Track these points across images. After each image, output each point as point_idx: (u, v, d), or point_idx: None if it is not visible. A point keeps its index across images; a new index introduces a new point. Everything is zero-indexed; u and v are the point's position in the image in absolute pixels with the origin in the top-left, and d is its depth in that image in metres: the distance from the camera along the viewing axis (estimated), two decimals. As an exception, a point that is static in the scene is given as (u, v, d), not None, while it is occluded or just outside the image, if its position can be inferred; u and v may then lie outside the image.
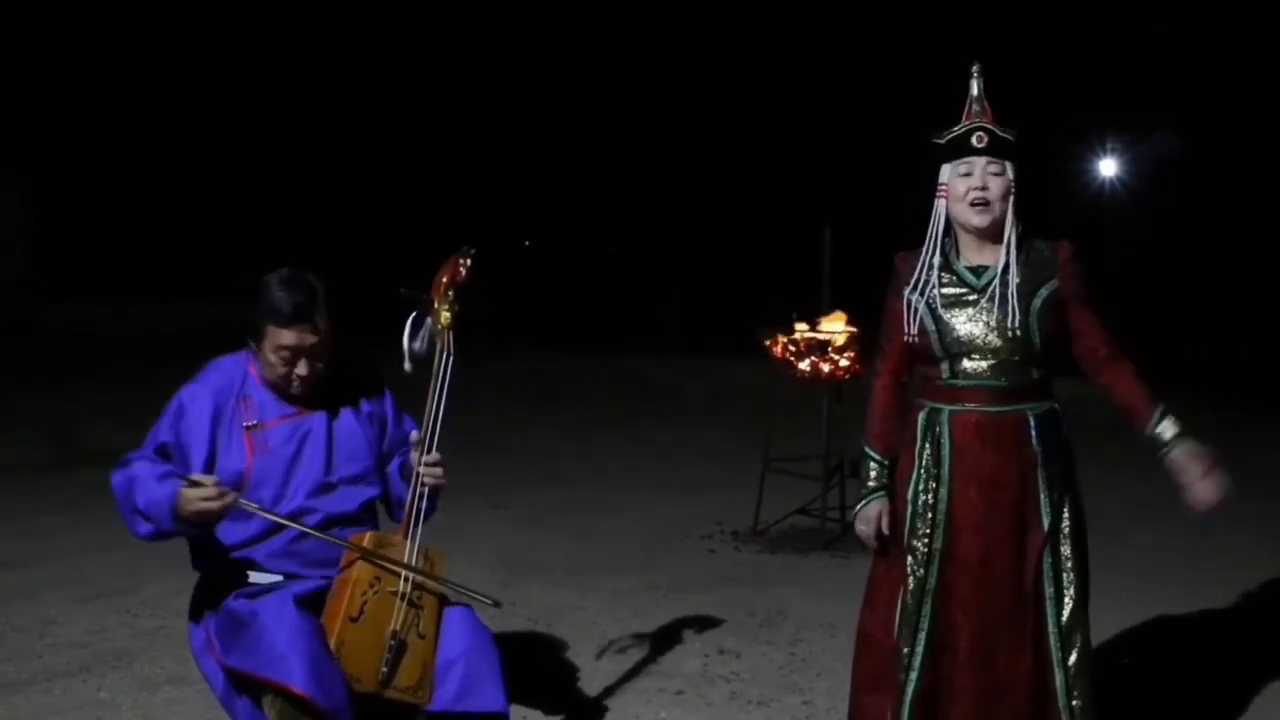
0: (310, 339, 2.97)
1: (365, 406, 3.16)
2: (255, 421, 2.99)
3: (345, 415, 3.11)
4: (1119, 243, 25.86)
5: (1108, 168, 29.15)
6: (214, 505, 2.76)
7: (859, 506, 3.16)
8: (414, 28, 35.11)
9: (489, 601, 3.05)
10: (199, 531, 2.89)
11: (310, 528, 2.94)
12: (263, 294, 2.97)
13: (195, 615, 3.04)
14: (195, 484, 2.76)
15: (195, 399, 2.98)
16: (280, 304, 2.94)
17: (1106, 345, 3.03)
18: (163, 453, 2.94)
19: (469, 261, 3.03)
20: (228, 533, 2.97)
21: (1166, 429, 3.00)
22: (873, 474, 3.15)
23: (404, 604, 2.87)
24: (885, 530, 3.09)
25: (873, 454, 3.15)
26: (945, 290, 3.01)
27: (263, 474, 2.97)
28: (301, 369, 2.99)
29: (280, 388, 3.03)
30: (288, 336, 2.94)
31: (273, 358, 2.97)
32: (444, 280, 3.01)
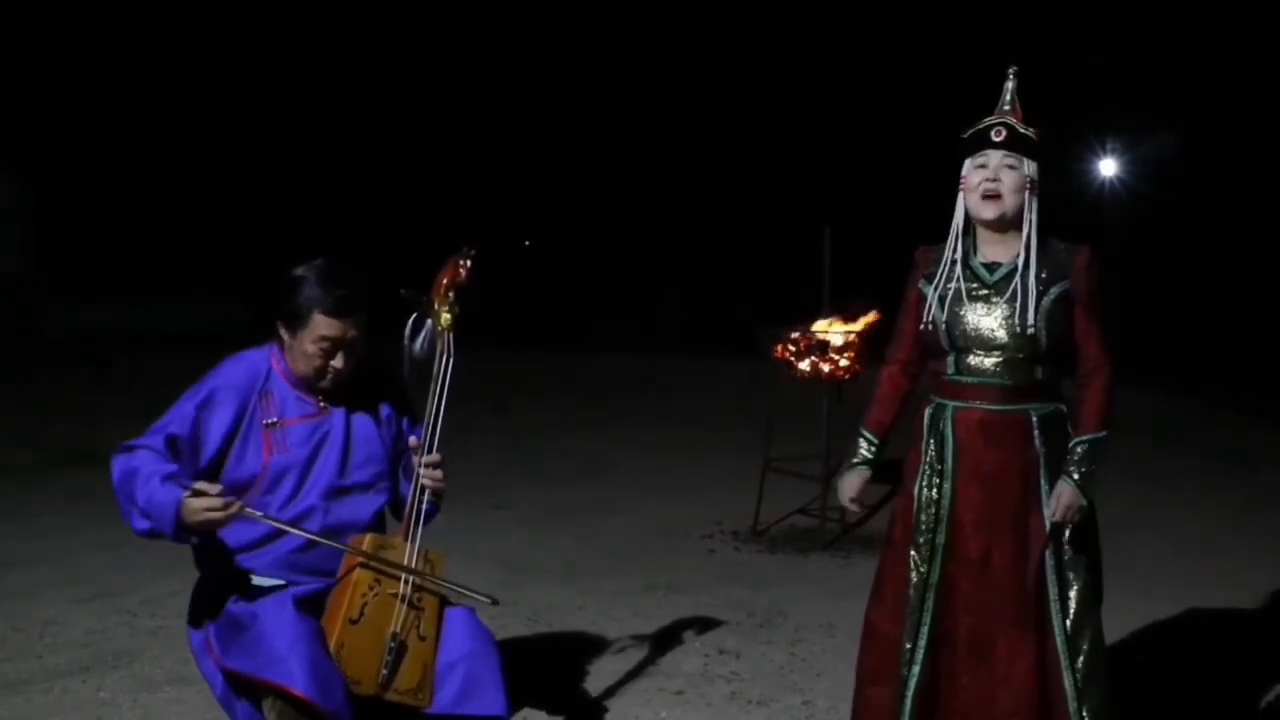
0: (353, 332, 2.94)
1: (384, 411, 3.13)
2: (275, 419, 2.97)
3: (364, 418, 3.09)
4: (1119, 243, 25.84)
5: (1108, 168, 29.15)
6: (218, 516, 2.71)
7: (841, 475, 3.26)
8: (411, 26, 35.10)
9: (487, 600, 3.03)
10: (201, 539, 2.86)
11: (317, 531, 2.93)
12: (306, 282, 2.92)
13: (194, 616, 3.03)
14: (200, 493, 2.71)
15: (225, 393, 2.94)
16: (330, 294, 2.90)
17: (1095, 356, 3.03)
18: (172, 444, 2.87)
19: (469, 263, 3.02)
20: (231, 535, 2.95)
21: (1073, 461, 2.98)
22: (861, 447, 3.23)
23: (404, 606, 2.86)
24: (856, 500, 3.22)
25: (864, 431, 3.25)
26: (959, 284, 3.02)
27: (278, 473, 2.95)
28: (338, 362, 2.95)
29: (305, 384, 3.00)
30: (334, 327, 2.91)
31: (311, 348, 2.93)
32: (444, 282, 3.00)
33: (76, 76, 30.29)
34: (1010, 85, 3.07)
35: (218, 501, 2.71)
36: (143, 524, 2.81)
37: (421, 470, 2.94)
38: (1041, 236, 3.01)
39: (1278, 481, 8.30)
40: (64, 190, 28.76)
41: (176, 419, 2.91)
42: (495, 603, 3.11)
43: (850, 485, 3.23)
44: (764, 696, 4.14)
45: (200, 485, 2.74)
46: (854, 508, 3.26)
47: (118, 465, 2.85)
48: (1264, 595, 5.36)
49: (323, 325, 2.91)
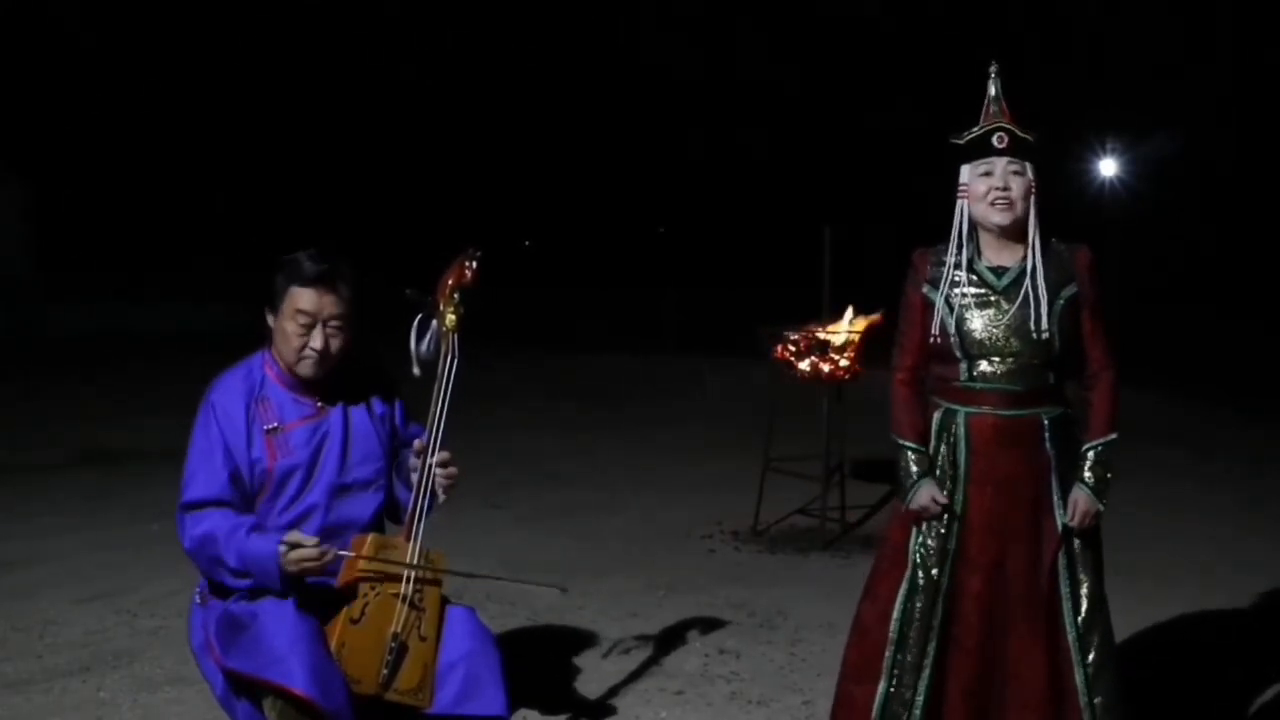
0: (330, 306, 2.93)
1: (378, 407, 3.13)
2: (275, 424, 2.97)
3: (360, 416, 3.09)
4: (1119, 242, 25.85)
5: (1108, 168, 29.14)
6: (314, 566, 2.78)
7: (910, 495, 3.05)
8: (411, 25, 35.11)
9: (558, 589, 3.03)
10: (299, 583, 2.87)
11: (318, 529, 2.93)
12: (286, 264, 2.95)
13: (194, 616, 3.04)
14: (296, 545, 2.77)
15: (228, 404, 2.95)
16: (306, 265, 2.92)
17: (1100, 358, 3.05)
18: (234, 482, 2.90)
19: (474, 264, 3.02)
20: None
21: (1086, 467, 3.01)
22: (914, 460, 3.06)
23: (405, 606, 2.86)
24: (942, 501, 3.01)
25: (908, 444, 3.09)
26: (967, 290, 3.02)
27: (283, 475, 2.96)
28: (316, 340, 2.93)
29: (298, 382, 2.99)
30: (310, 299, 2.91)
31: (289, 325, 2.92)
32: (449, 283, 3.00)
33: (76, 77, 30.30)
34: (994, 84, 3.05)
35: (314, 551, 2.77)
36: (240, 581, 2.84)
37: (436, 470, 2.93)
38: (1042, 238, 3.02)
39: (1278, 481, 8.30)
40: (64, 190, 28.77)
41: (221, 455, 2.91)
42: (564, 590, 3.09)
43: (924, 495, 3.02)
44: (764, 696, 4.14)
45: (293, 537, 2.80)
46: (938, 508, 3.01)
47: (186, 529, 2.88)
48: (1265, 596, 5.36)
49: (299, 297, 2.91)
